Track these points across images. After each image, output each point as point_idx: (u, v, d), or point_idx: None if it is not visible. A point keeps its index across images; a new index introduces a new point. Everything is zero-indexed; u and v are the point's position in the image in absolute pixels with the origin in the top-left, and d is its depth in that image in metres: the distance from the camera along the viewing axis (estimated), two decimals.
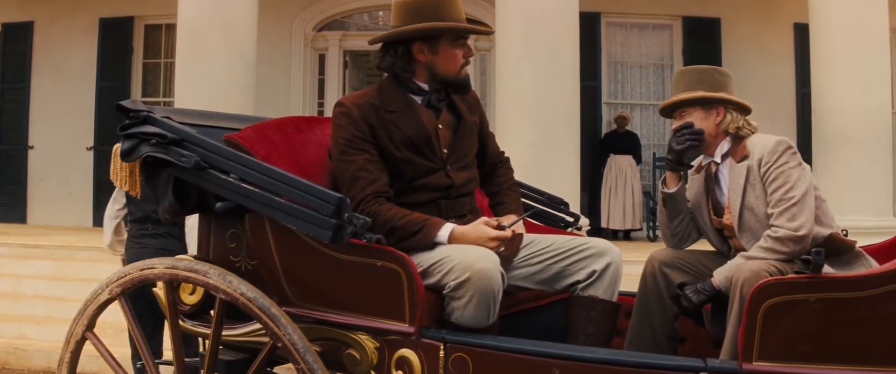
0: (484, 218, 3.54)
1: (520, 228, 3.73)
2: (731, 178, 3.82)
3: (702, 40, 13.36)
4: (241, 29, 9.66)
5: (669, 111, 3.99)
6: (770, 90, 12.76)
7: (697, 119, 3.86)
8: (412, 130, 3.61)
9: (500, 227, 3.49)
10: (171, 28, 12.62)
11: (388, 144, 3.59)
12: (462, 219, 3.64)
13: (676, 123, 3.93)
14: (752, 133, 3.85)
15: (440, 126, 3.71)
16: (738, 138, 3.85)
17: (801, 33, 11.97)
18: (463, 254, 3.30)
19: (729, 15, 13.43)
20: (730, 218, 3.81)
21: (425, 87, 3.70)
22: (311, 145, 3.80)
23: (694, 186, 4.03)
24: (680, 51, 13.56)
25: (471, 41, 3.83)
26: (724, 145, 3.87)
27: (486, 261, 3.27)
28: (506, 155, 4.16)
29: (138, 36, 14.02)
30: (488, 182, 4.05)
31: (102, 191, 13.06)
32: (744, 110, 3.90)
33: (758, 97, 12.69)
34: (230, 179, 3.37)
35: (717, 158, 3.89)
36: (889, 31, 10.19)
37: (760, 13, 13.41)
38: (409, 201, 3.59)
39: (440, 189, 3.63)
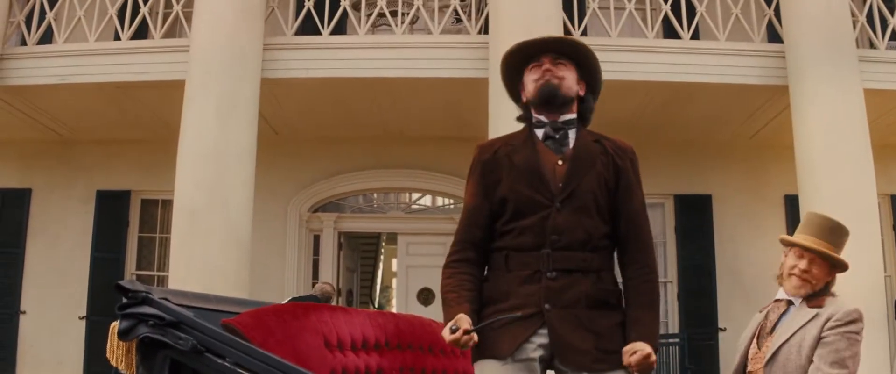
0: (460, 315, 3.26)
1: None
2: (795, 314, 3.90)
3: (694, 216, 13.46)
4: (237, 210, 9.74)
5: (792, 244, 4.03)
6: (763, 262, 12.74)
7: (820, 270, 3.93)
8: (522, 159, 3.45)
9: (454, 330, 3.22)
10: (166, 204, 12.75)
11: (501, 175, 3.47)
12: (569, 275, 3.32)
13: (794, 261, 3.97)
14: (833, 295, 3.95)
15: (559, 162, 3.44)
16: (822, 292, 3.95)
17: (792, 205, 12.06)
18: None
19: (720, 191, 13.56)
20: (767, 347, 3.87)
21: (542, 118, 3.54)
22: (307, 332, 3.79)
23: (755, 321, 4.11)
24: (672, 227, 13.62)
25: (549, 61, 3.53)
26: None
27: None
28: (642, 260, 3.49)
29: (134, 209, 14.08)
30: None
31: (93, 361, 12.90)
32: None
33: (751, 269, 12.78)
34: (226, 363, 3.36)
35: (796, 301, 3.97)
36: (877, 196, 10.35)
37: (751, 187, 13.55)
38: (513, 245, 3.38)
39: (543, 233, 3.34)
